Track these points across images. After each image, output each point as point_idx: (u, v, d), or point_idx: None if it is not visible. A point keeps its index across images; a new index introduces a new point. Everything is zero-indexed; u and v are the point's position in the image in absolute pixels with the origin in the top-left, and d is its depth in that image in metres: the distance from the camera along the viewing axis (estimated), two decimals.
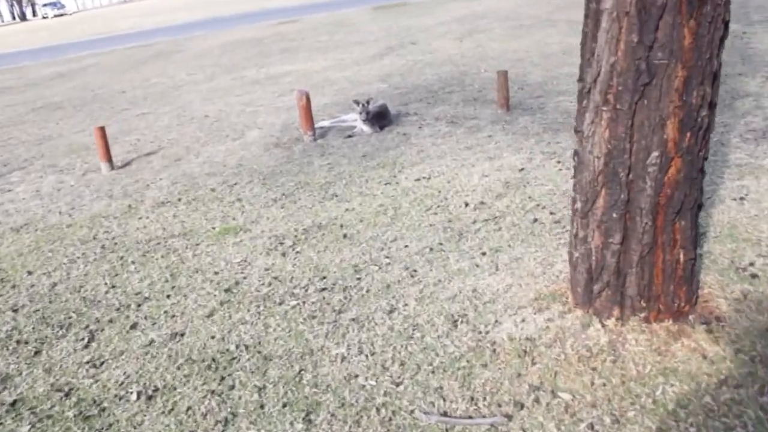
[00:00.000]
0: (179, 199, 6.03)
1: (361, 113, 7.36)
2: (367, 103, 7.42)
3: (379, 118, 7.60)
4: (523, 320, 3.14)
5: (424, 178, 5.62)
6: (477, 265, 3.81)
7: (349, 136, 7.44)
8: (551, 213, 4.44)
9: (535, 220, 4.35)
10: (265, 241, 4.70)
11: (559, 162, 5.55)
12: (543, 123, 6.92)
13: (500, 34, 13.71)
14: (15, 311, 4.15)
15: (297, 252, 4.42)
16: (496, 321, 3.19)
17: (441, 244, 4.19)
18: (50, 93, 14.46)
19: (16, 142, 9.92)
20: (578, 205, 2.91)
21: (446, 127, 7.26)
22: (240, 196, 5.88)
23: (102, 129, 7.45)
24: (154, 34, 27.08)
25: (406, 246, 4.24)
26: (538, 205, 4.63)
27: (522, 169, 5.48)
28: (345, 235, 4.56)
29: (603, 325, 2.91)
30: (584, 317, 2.98)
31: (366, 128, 7.46)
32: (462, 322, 3.23)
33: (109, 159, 7.57)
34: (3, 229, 5.88)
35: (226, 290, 3.99)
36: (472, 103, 8.26)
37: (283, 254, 4.42)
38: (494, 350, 2.96)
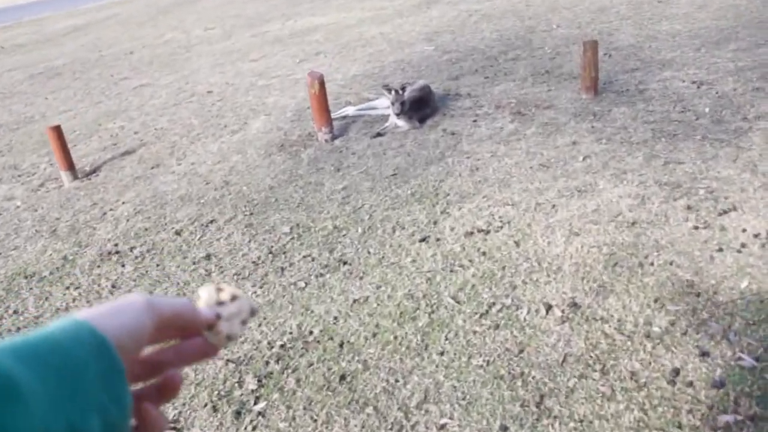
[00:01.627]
0: (131, 249, 4.22)
1: (394, 104, 5.33)
2: (403, 90, 5.39)
3: (419, 107, 5.57)
4: None
5: (479, 230, 3.64)
6: None
7: (378, 135, 5.45)
8: (702, 354, 2.41)
9: (677, 372, 2.34)
10: (216, 372, 2.83)
11: (689, 208, 3.49)
12: (649, 120, 4.78)
13: None
14: None
15: (260, 414, 2.54)
16: None
17: (506, 428, 2.23)
18: (56, 53, 12.77)
19: None
20: None
21: (511, 123, 5.18)
22: (210, 249, 4.02)
23: (57, 129, 5.65)
24: None
25: (443, 426, 2.30)
26: (672, 324, 2.61)
27: (633, 224, 3.41)
28: (343, 377, 2.67)
29: None
30: None
31: (401, 123, 5.45)
32: None
33: (70, 166, 5.81)
34: None
35: None
36: (545, 79, 6.11)
37: (238, 415, 2.55)
38: None
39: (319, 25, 10.70)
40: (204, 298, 0.59)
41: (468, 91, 6.16)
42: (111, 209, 4.97)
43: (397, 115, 5.39)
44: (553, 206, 3.82)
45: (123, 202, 5.05)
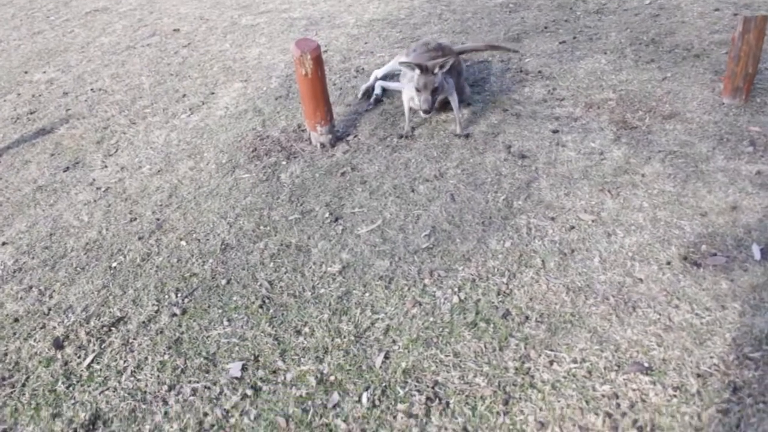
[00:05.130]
0: None
1: (421, 92, 3.36)
2: (441, 67, 3.39)
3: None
4: None
5: None
6: None
7: (402, 137, 3.50)
8: None
9: None
10: None
11: None
12: None
13: None
14: None
15: None
16: None
17: None
18: None
19: None
20: None
21: (615, 143, 3.27)
22: (100, 401, 2.34)
23: None
24: None
25: None
26: None
27: None
28: None
29: None
30: None
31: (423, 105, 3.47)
32: None
33: None
34: None
35: None
36: (652, 55, 4.11)
37: None
38: None
39: None
40: None
41: (538, 67, 4.12)
42: None
43: (427, 112, 3.40)
44: (735, 388, 1.92)
45: (3, 243, 3.16)
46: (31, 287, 2.88)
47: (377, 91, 4.02)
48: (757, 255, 2.45)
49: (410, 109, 3.63)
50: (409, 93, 3.53)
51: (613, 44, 4.34)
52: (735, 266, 2.44)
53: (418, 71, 3.38)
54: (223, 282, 2.73)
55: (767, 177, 2.88)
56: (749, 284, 2.34)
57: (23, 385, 2.38)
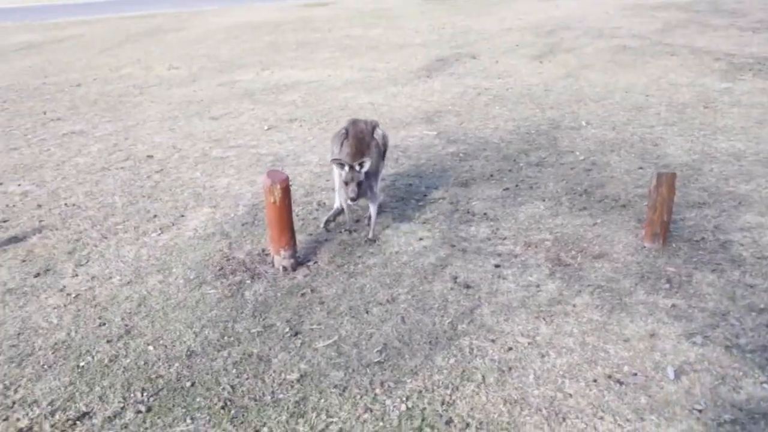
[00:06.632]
0: None
1: (348, 184, 4.08)
2: (360, 165, 3.95)
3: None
4: None
5: None
6: None
7: (350, 231, 3.96)
8: None
9: None
10: None
11: None
12: (756, 307, 3.21)
13: (596, 57, 9.89)
14: None
15: None
16: None
17: None
18: None
19: None
20: None
21: (550, 277, 3.66)
22: None
23: None
24: (162, 2, 23.54)
25: None
26: None
27: None
28: None
29: None
30: None
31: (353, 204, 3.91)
32: None
33: None
34: None
35: None
36: (585, 203, 4.59)
37: None
38: None
39: (298, 82, 9.13)
40: None
41: (483, 210, 4.57)
42: None
43: (353, 199, 3.89)
44: None
45: None
46: None
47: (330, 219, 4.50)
48: (672, 375, 2.79)
49: (349, 206, 4.31)
50: (342, 193, 4.15)
51: (550, 193, 4.86)
52: (653, 384, 2.76)
53: (346, 168, 3.86)
54: (188, 384, 2.92)
55: (681, 309, 3.27)
56: (664, 399, 2.66)
57: None
